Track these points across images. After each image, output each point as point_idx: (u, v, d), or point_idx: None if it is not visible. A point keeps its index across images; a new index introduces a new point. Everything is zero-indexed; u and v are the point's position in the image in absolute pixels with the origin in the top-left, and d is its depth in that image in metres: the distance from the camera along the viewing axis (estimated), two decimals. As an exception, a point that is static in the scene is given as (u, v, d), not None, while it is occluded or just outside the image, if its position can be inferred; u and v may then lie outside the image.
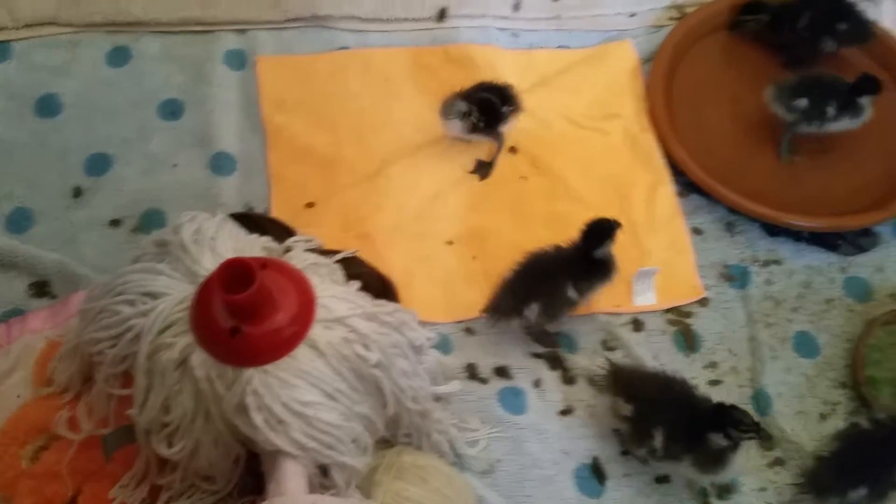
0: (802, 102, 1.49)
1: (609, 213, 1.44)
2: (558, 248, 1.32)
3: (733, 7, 1.68)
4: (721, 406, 1.17)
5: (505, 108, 1.47)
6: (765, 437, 1.17)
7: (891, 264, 1.47)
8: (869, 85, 1.49)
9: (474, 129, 1.46)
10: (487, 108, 1.47)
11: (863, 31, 1.61)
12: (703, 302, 1.41)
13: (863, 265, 1.47)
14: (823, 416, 1.32)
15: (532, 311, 1.28)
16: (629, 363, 1.32)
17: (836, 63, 1.62)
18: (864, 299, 1.43)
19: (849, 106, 1.49)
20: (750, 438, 1.15)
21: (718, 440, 1.15)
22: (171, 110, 1.54)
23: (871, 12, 1.72)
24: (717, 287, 1.43)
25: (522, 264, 1.31)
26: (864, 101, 1.49)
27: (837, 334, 1.39)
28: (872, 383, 1.32)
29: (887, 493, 1.19)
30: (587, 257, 1.30)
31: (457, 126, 1.46)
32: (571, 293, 1.29)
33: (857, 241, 1.48)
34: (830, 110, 1.49)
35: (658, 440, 1.18)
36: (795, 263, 1.46)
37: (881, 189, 1.52)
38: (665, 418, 1.19)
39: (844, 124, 1.50)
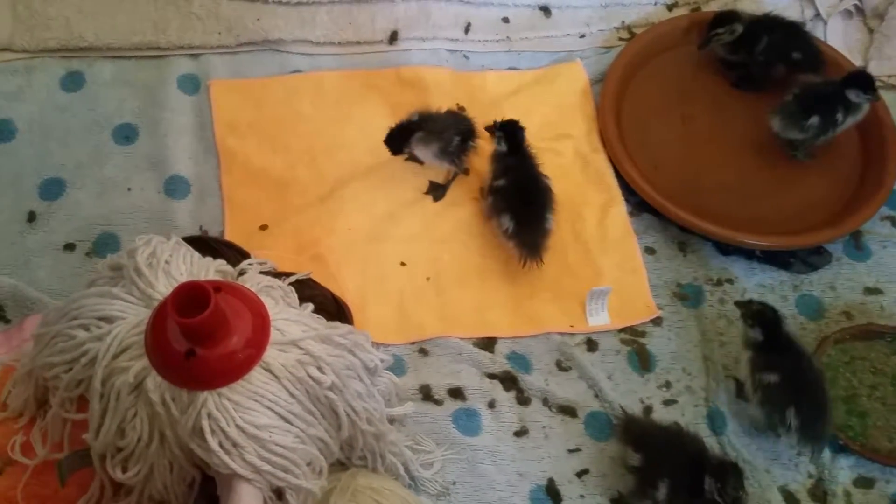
0: (815, 120, 1.52)
1: (562, 233, 1.48)
2: None
3: (691, 26, 1.72)
4: (728, 463, 1.19)
5: (470, 143, 1.49)
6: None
7: (842, 282, 1.49)
8: (862, 80, 1.53)
9: (442, 153, 1.48)
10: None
11: (815, 60, 1.64)
12: (656, 321, 1.43)
13: (815, 283, 1.49)
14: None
15: None
16: (640, 415, 1.32)
17: (784, 84, 1.64)
18: (816, 317, 1.45)
19: (850, 106, 1.53)
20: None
21: (710, 485, 1.15)
22: (126, 135, 1.54)
23: (818, 31, 1.77)
24: (670, 306, 1.45)
25: None
26: (860, 96, 1.52)
27: (791, 352, 1.41)
28: (826, 402, 1.34)
29: None
30: None
31: (423, 150, 1.48)
32: None
33: (808, 259, 1.50)
34: (840, 116, 1.52)
35: (662, 492, 1.17)
36: (748, 282, 1.48)
37: (832, 208, 1.55)
38: (672, 470, 1.18)
39: (849, 122, 1.55)
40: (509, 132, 1.46)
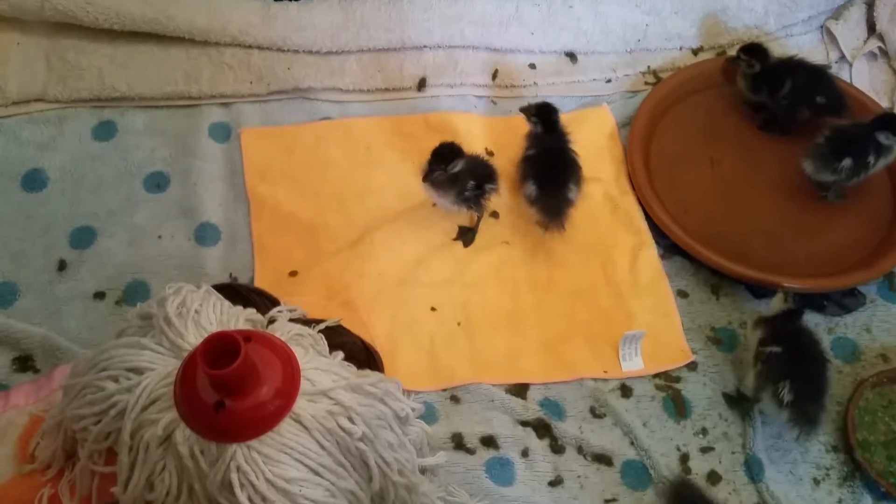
0: (847, 162, 1.51)
1: (593, 277, 1.47)
2: None
3: (717, 70, 1.73)
4: None
5: (487, 186, 1.48)
6: None
7: (877, 324, 1.47)
8: (891, 122, 1.51)
9: (459, 198, 1.47)
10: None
11: (838, 103, 1.64)
12: (691, 366, 1.41)
13: (850, 326, 1.47)
14: (817, 482, 1.30)
15: None
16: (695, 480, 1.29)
17: (810, 126, 1.63)
18: (852, 360, 1.43)
19: (881, 149, 1.51)
20: None
21: None
22: (157, 182, 1.55)
23: (844, 73, 1.76)
24: (704, 350, 1.43)
25: None
26: (889, 138, 1.50)
27: (827, 396, 1.39)
28: (865, 447, 1.31)
29: None
30: None
31: (440, 196, 1.47)
32: None
33: (842, 301, 1.48)
34: (871, 159, 1.51)
35: None
36: (782, 325, 1.46)
37: (865, 249, 1.53)
38: None
39: (881, 165, 1.53)
40: (544, 116, 1.53)
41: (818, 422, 1.28)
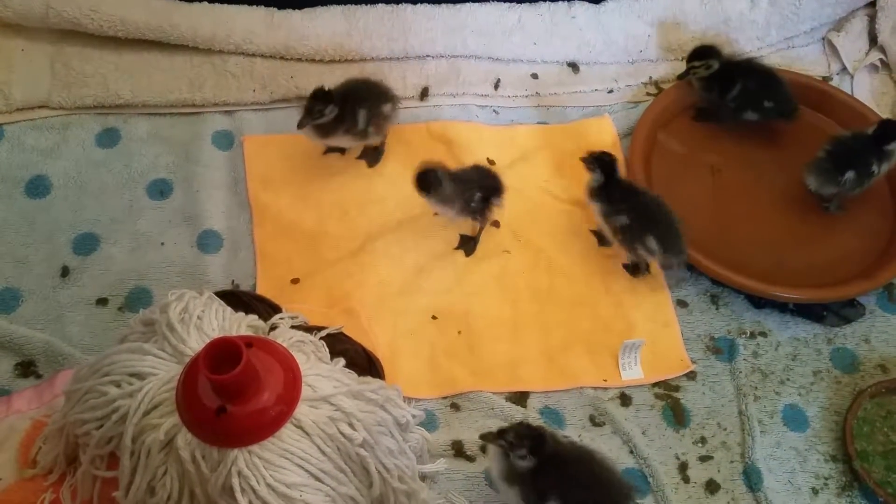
0: (851, 175, 1.51)
1: (593, 286, 1.47)
2: None
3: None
4: None
5: (493, 199, 1.48)
6: None
7: (877, 335, 1.47)
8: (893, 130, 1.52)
9: (465, 208, 1.47)
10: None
11: (787, 107, 1.64)
12: (690, 375, 1.41)
13: (849, 336, 1.47)
14: (815, 491, 1.30)
15: None
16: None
17: (807, 135, 1.65)
18: (851, 371, 1.43)
19: (882, 156, 1.52)
20: None
21: None
22: (160, 190, 1.56)
23: (845, 84, 1.77)
24: (704, 360, 1.43)
25: None
26: (892, 146, 1.51)
27: (826, 407, 1.39)
28: (864, 457, 1.31)
29: None
30: None
31: (446, 206, 1.47)
32: None
33: (842, 312, 1.48)
34: (875, 168, 1.51)
35: None
36: (782, 335, 1.46)
37: (865, 260, 1.53)
38: None
39: (884, 170, 1.54)
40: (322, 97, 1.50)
41: (685, 251, 1.43)
